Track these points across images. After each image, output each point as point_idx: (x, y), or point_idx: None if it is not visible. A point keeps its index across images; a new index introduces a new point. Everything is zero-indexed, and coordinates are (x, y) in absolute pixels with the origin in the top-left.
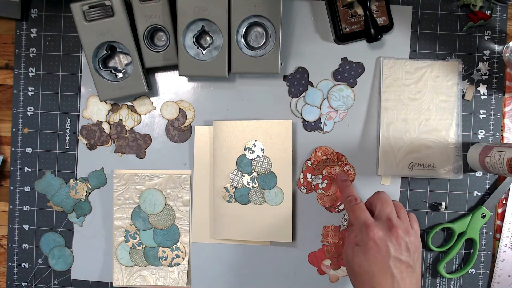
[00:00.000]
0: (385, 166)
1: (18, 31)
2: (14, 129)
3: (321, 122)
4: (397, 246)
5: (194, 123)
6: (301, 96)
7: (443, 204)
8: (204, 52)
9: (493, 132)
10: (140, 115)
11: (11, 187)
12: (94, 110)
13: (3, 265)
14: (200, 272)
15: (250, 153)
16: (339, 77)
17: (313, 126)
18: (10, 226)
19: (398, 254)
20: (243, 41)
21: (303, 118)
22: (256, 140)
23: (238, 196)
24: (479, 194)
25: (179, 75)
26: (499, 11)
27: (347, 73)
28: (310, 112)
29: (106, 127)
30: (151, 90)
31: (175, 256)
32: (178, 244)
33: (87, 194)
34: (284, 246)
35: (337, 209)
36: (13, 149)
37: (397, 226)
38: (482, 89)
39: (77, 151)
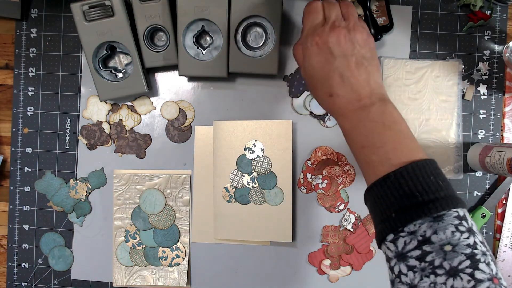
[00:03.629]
0: None
1: (18, 31)
2: (14, 129)
3: (326, 115)
4: (340, 46)
5: (194, 123)
6: (302, 95)
7: None
8: (204, 52)
9: (493, 132)
10: (140, 115)
11: (11, 187)
12: (94, 110)
13: (3, 265)
14: (200, 272)
15: (250, 153)
16: None
17: (320, 118)
18: (10, 226)
19: (343, 53)
20: (242, 41)
21: (311, 112)
22: (256, 140)
23: (238, 196)
24: (479, 194)
25: (179, 75)
26: (499, 11)
27: None
28: (318, 106)
29: (106, 127)
30: (151, 90)
31: (175, 256)
32: (178, 244)
33: (87, 194)
34: (284, 246)
35: (337, 209)
36: (13, 149)
37: (339, 27)
38: (482, 89)
39: (77, 151)
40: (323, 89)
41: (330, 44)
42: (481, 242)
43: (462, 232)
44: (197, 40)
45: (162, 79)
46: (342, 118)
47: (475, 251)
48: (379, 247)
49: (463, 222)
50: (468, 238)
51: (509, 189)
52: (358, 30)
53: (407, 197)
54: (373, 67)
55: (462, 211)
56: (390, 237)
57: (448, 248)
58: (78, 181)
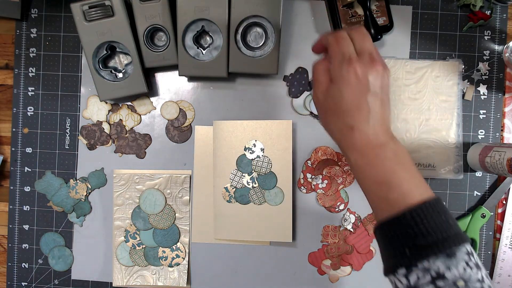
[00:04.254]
0: None
1: (18, 31)
2: (14, 129)
3: None
4: (376, 81)
5: (194, 123)
6: (302, 95)
7: None
8: (204, 52)
9: (493, 132)
10: (140, 115)
11: (11, 187)
12: (94, 110)
13: (3, 265)
14: (200, 272)
15: (250, 153)
16: None
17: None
18: (10, 226)
19: (376, 89)
20: (242, 41)
21: (311, 112)
22: (256, 140)
23: (238, 196)
24: (479, 194)
25: (179, 75)
26: (499, 11)
27: None
28: None
29: (106, 127)
30: (151, 90)
31: (175, 256)
32: (178, 244)
33: (87, 194)
34: (284, 246)
35: (337, 209)
36: (13, 149)
37: (378, 61)
38: (482, 89)
39: (77, 151)
40: (344, 120)
41: (370, 77)
42: (486, 276)
43: (471, 268)
44: (197, 40)
45: (162, 79)
46: (357, 154)
47: (484, 284)
48: (385, 275)
49: (471, 257)
50: (477, 273)
51: (509, 189)
52: (387, 68)
53: (423, 235)
54: (390, 105)
55: (469, 247)
56: (403, 271)
57: (461, 283)
58: (78, 181)
